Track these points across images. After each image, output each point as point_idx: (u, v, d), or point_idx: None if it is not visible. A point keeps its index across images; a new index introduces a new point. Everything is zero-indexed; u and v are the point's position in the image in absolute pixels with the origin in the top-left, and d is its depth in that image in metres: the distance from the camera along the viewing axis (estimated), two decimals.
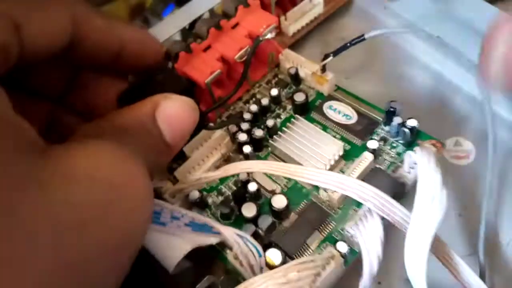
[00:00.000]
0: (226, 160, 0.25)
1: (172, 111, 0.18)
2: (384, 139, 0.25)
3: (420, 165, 0.20)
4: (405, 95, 0.29)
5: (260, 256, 0.19)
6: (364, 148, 0.24)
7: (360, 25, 0.33)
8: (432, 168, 0.19)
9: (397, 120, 0.24)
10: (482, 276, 0.22)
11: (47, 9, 0.17)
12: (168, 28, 0.27)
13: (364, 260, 0.19)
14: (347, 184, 0.20)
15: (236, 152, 0.25)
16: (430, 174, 0.19)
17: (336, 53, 0.25)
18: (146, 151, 0.17)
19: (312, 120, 0.26)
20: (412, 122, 0.23)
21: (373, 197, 0.19)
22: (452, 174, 0.26)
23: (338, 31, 0.33)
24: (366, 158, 0.23)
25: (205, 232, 0.19)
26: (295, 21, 0.31)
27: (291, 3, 0.31)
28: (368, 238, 0.19)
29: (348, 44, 0.25)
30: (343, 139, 0.25)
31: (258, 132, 0.25)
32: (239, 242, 0.19)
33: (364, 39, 0.25)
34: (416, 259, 0.18)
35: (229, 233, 0.19)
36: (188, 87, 0.23)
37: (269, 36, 0.26)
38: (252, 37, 0.26)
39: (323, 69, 0.26)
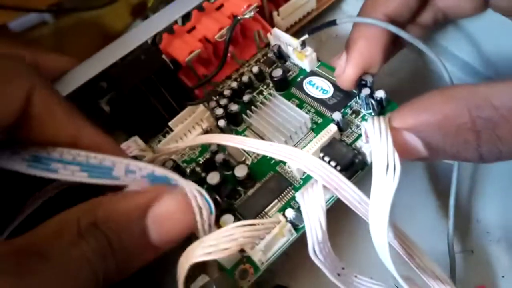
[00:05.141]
0: (207, 133, 0.27)
1: (165, 210, 0.18)
2: (356, 112, 0.24)
3: (371, 135, 0.20)
4: (390, 72, 0.28)
5: (211, 213, 0.20)
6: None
7: None
8: (383, 135, 0.19)
9: (365, 91, 0.23)
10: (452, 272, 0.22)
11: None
12: (161, 20, 0.28)
13: (306, 224, 0.19)
14: (294, 154, 0.20)
15: (217, 127, 0.27)
16: (381, 141, 0.19)
17: (311, 32, 0.26)
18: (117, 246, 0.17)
19: (291, 95, 0.27)
20: (379, 93, 0.23)
21: (316, 167, 0.20)
22: (444, 173, 0.25)
23: (330, 27, 0.33)
24: (330, 130, 0.23)
25: (164, 183, 0.20)
26: (288, 16, 0.31)
27: None
28: (309, 203, 0.19)
29: (321, 26, 0.25)
30: (317, 113, 0.25)
31: (233, 107, 0.26)
32: (196, 196, 0.20)
33: (336, 24, 0.24)
34: (378, 230, 0.18)
35: (189, 186, 0.20)
36: (167, 65, 0.26)
37: (248, 15, 0.27)
38: (234, 17, 0.27)
39: (303, 45, 0.27)
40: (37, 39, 0.29)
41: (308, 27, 0.26)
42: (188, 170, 0.26)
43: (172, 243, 0.18)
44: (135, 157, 0.26)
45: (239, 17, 0.27)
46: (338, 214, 0.22)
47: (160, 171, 0.19)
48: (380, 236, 0.18)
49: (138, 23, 0.33)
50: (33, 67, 0.18)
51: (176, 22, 0.27)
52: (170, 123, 0.27)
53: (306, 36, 0.26)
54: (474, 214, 0.25)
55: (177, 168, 0.25)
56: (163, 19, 0.26)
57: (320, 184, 0.20)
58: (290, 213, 0.21)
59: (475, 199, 0.25)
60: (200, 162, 0.26)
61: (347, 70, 0.24)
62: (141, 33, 0.26)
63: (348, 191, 0.19)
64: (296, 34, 0.30)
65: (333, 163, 0.21)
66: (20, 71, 0.17)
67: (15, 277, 0.14)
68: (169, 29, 0.27)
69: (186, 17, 0.28)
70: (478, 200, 0.25)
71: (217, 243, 0.19)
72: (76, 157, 0.18)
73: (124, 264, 0.17)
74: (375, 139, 0.19)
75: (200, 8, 0.27)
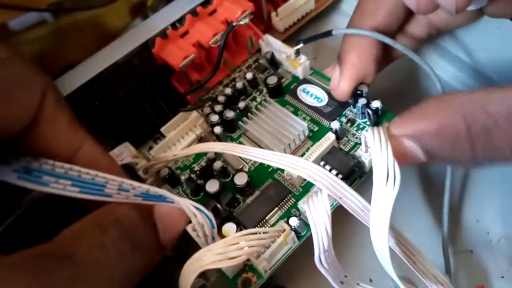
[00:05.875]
0: (200, 140, 0.26)
1: (167, 208, 0.19)
2: (351, 121, 0.25)
3: (372, 144, 0.20)
4: (385, 82, 0.29)
5: (213, 227, 0.20)
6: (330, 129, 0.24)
7: None
8: (383, 145, 0.20)
9: (361, 101, 0.24)
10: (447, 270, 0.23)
11: (10, 101, 0.16)
12: (159, 22, 0.27)
13: (313, 233, 0.20)
14: (298, 164, 0.20)
15: (211, 133, 0.27)
16: (381, 151, 0.20)
17: (306, 41, 0.26)
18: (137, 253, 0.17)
19: (285, 103, 0.27)
20: (376, 103, 0.24)
21: (321, 177, 0.20)
22: (440, 174, 0.25)
23: (329, 28, 0.32)
24: (328, 138, 0.23)
25: (159, 201, 0.20)
26: (286, 17, 0.31)
27: None
28: (315, 213, 0.20)
29: (317, 36, 0.26)
30: (312, 120, 0.26)
31: (229, 114, 0.26)
32: (196, 213, 0.20)
33: (331, 35, 0.25)
34: (379, 236, 0.19)
35: (186, 204, 0.20)
36: (161, 69, 0.25)
37: (243, 22, 0.27)
38: (228, 23, 0.27)
39: (297, 54, 0.27)
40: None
41: (306, 30, 0.26)
42: (182, 178, 0.25)
43: (173, 241, 0.19)
44: (128, 165, 0.25)
45: (234, 24, 0.26)
46: (336, 217, 0.22)
47: (154, 190, 0.19)
48: (381, 242, 0.19)
49: (138, 22, 0.32)
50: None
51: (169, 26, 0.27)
52: (162, 129, 0.26)
53: (301, 45, 0.26)
54: (473, 214, 0.25)
55: (172, 175, 0.24)
56: (157, 24, 0.26)
57: (325, 193, 0.20)
58: (294, 221, 0.21)
59: (474, 199, 0.26)
60: (195, 169, 0.25)
61: (342, 83, 0.24)
62: (133, 38, 0.25)
63: (351, 199, 0.20)
64: (295, 35, 0.30)
65: (334, 172, 0.22)
66: (35, 76, 0.16)
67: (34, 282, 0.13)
68: (162, 34, 0.26)
69: (179, 21, 0.27)
70: (477, 200, 0.26)
71: (225, 252, 0.19)
72: (68, 171, 0.18)
73: (144, 263, 0.17)
74: (376, 150, 0.20)
75: (193, 12, 0.27)
